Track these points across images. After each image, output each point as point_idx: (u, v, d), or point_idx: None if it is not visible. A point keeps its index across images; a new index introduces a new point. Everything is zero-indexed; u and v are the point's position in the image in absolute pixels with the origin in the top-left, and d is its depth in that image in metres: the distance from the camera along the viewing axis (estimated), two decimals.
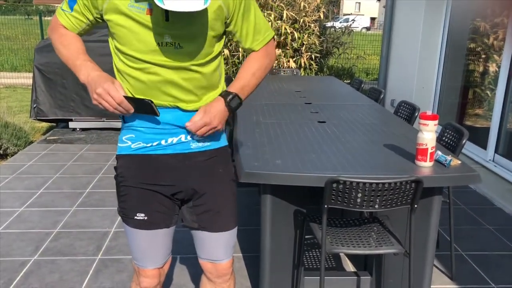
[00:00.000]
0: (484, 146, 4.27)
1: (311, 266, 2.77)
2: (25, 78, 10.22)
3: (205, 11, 1.45)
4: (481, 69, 4.71)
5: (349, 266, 2.89)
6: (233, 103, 1.55)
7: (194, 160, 1.61)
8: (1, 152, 4.94)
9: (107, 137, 5.70)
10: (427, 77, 5.50)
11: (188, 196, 1.65)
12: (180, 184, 1.62)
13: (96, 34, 5.71)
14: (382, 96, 4.08)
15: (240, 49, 6.90)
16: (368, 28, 34.37)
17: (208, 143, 1.63)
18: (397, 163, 2.23)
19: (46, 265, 2.82)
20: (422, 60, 5.58)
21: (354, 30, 9.49)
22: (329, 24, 9.00)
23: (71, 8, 1.51)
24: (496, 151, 4.12)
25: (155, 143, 1.57)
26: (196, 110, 1.55)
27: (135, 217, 1.62)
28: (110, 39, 1.55)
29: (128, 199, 1.62)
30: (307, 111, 3.35)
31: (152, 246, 1.67)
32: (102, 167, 4.59)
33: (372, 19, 47.48)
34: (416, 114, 3.30)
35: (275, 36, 1.61)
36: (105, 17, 1.47)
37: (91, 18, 1.52)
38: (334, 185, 1.93)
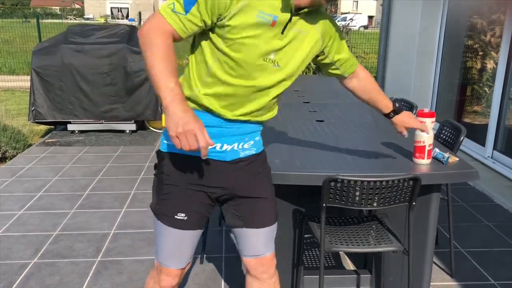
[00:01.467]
0: (482, 143, 4.27)
1: (311, 265, 2.77)
2: (23, 81, 10.21)
3: (311, 37, 1.60)
4: (478, 66, 4.71)
5: (349, 265, 2.89)
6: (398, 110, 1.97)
7: (240, 163, 1.67)
8: (0, 155, 4.94)
9: (106, 139, 5.70)
10: (425, 74, 5.51)
11: (231, 196, 1.70)
12: (226, 187, 1.67)
13: (94, 36, 5.72)
14: None
15: None
16: (366, 27, 34.38)
17: (254, 150, 1.70)
18: (395, 161, 2.23)
19: (46, 268, 2.82)
20: (419, 58, 5.58)
21: (352, 29, 9.48)
22: None
23: (186, 11, 1.41)
24: (494, 148, 4.12)
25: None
26: (255, 123, 1.67)
27: (175, 217, 1.64)
28: (209, 41, 1.50)
29: (170, 198, 1.64)
30: (305, 110, 3.35)
31: (182, 246, 1.69)
32: (101, 169, 4.59)
33: (370, 17, 47.46)
34: (414, 111, 3.31)
35: None
36: (229, 22, 1.43)
37: (209, 22, 1.45)
38: (332, 183, 1.93)
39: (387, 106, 1.95)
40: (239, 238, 1.78)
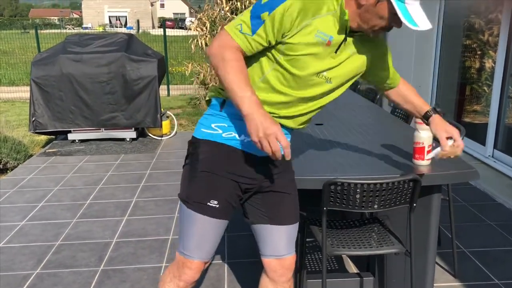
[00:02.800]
0: (483, 142, 4.27)
1: (313, 269, 2.77)
2: (23, 92, 10.24)
3: (361, 58, 1.69)
4: (477, 65, 4.72)
5: (352, 268, 2.88)
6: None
7: (269, 159, 1.70)
8: (1, 166, 4.94)
9: (106, 147, 5.71)
10: (423, 75, 5.52)
11: (258, 189, 1.73)
12: (255, 178, 1.70)
13: (92, 45, 5.74)
14: (378, 96, 4.09)
15: None
16: None
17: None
18: (395, 163, 2.23)
19: (48, 278, 2.82)
20: (417, 59, 5.59)
21: None
22: None
23: (253, 32, 1.50)
24: (495, 147, 4.12)
25: (246, 140, 1.65)
26: (287, 129, 1.74)
27: (208, 203, 1.66)
28: (268, 52, 1.58)
29: (205, 185, 1.66)
30: None
31: (209, 236, 1.70)
32: (102, 178, 4.59)
33: None
34: None
35: None
36: (290, 39, 1.52)
37: (273, 42, 1.54)
38: (332, 187, 1.93)
39: (422, 109, 1.93)
40: (261, 236, 1.79)
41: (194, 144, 1.70)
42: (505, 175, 3.84)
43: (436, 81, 5.36)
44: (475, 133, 4.45)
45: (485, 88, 4.56)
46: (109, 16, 64.83)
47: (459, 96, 5.10)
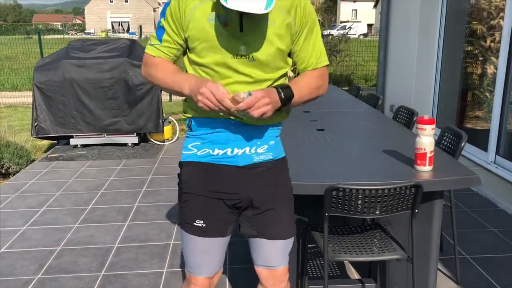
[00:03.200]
0: (485, 148, 4.26)
1: (315, 275, 2.76)
2: (26, 97, 10.27)
3: (277, 25, 1.53)
4: (479, 71, 4.72)
5: (353, 274, 2.87)
6: (285, 91, 1.52)
7: (256, 170, 1.66)
8: (3, 171, 4.95)
9: (108, 152, 5.71)
10: (425, 81, 5.52)
11: (248, 204, 1.70)
12: (241, 194, 1.66)
13: (95, 50, 5.76)
14: (380, 102, 4.09)
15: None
16: (365, 35, 34.51)
17: (270, 155, 1.68)
18: (397, 169, 2.23)
19: (50, 283, 2.81)
20: (419, 65, 5.60)
21: (351, 37, 9.53)
22: (325, 32, 9.04)
23: (160, 40, 1.59)
24: (497, 153, 4.11)
25: (221, 152, 1.63)
26: (265, 126, 1.63)
27: (194, 224, 1.66)
28: (186, 56, 1.62)
29: (189, 205, 1.68)
30: (306, 120, 3.36)
31: (206, 254, 1.70)
32: (104, 183, 4.59)
33: (369, 25, 47.68)
34: (415, 118, 3.31)
35: None
36: (187, 33, 1.54)
37: (180, 41, 1.58)
38: (334, 192, 1.93)
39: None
40: (253, 247, 1.77)
41: (179, 167, 1.73)
42: (507, 181, 3.83)
43: (438, 87, 5.36)
44: (477, 139, 4.44)
45: (487, 94, 4.56)
46: (112, 22, 65.14)
47: (461, 102, 5.09)
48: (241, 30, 1.51)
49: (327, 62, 1.70)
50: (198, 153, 1.65)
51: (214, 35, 1.51)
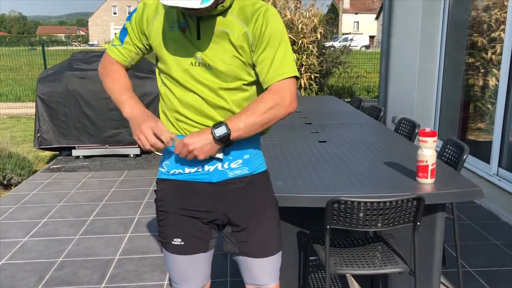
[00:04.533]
0: (487, 160, 4.25)
1: None
2: (29, 108, 10.31)
3: (234, 34, 1.49)
4: (480, 83, 4.73)
5: (355, 287, 2.85)
6: (218, 131, 1.46)
7: (232, 186, 1.61)
8: (5, 182, 4.95)
9: (110, 163, 5.72)
10: (427, 93, 5.52)
11: (225, 221, 1.66)
12: (216, 211, 1.63)
13: (97, 62, 5.79)
14: (382, 113, 4.09)
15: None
16: (367, 47, 34.65)
17: (246, 170, 1.63)
18: (399, 181, 2.22)
19: None
20: (421, 76, 5.61)
21: (353, 49, 9.56)
22: (328, 44, 9.08)
23: (122, 41, 1.63)
24: (499, 165, 4.10)
25: (192, 170, 1.60)
26: (236, 140, 1.53)
27: (172, 242, 1.64)
28: (156, 67, 1.64)
29: (166, 224, 1.66)
30: (308, 131, 3.36)
31: (190, 270, 1.68)
32: (106, 194, 4.59)
33: (371, 37, 47.90)
34: (417, 130, 3.31)
35: None
36: (150, 41, 1.58)
37: (140, 46, 1.62)
38: (336, 205, 1.92)
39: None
40: (240, 265, 1.73)
41: (156, 183, 1.71)
42: (510, 193, 3.81)
43: (440, 98, 5.37)
44: (479, 151, 4.43)
45: (489, 106, 4.56)
46: (115, 33, 65.50)
47: (463, 114, 5.09)
48: (198, 38, 1.50)
49: (289, 74, 1.52)
50: (170, 172, 1.63)
51: (173, 42, 1.52)
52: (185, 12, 1.48)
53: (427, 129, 2.14)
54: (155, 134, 1.48)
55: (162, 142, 1.49)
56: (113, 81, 1.64)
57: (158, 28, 1.54)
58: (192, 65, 1.52)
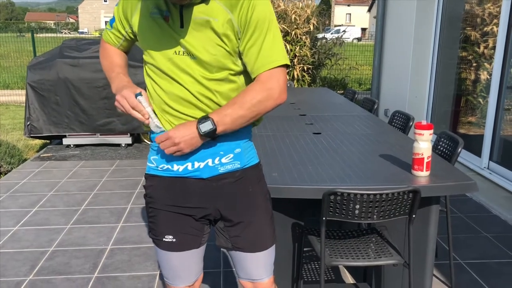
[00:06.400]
0: (478, 153, 4.28)
1: (310, 279, 2.75)
2: (18, 96, 10.19)
3: (219, 21, 1.42)
4: (472, 77, 4.75)
5: (348, 278, 2.87)
6: (203, 127, 1.42)
7: (223, 181, 1.57)
8: None
9: (101, 153, 5.67)
10: (419, 86, 5.54)
11: (217, 217, 1.63)
12: (208, 207, 1.60)
13: (89, 50, 5.72)
14: (375, 106, 4.10)
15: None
16: (359, 39, 34.67)
17: (238, 164, 1.58)
18: (394, 174, 2.23)
19: (41, 285, 2.78)
20: (414, 70, 5.62)
21: (345, 41, 9.56)
22: (320, 35, 9.06)
23: (111, 26, 1.66)
24: (490, 159, 4.14)
25: (181, 168, 1.55)
26: (226, 135, 1.50)
27: (164, 239, 1.62)
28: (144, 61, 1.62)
29: (156, 221, 1.62)
30: (302, 123, 3.35)
31: (182, 266, 1.66)
32: (97, 184, 4.56)
33: (363, 29, 47.91)
34: (411, 123, 3.32)
35: None
36: (134, 29, 1.57)
37: (123, 32, 1.63)
38: (332, 197, 1.92)
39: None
40: (233, 259, 1.72)
41: (145, 178, 1.66)
42: (500, 187, 3.85)
43: (433, 92, 5.39)
44: (470, 144, 4.47)
45: (480, 100, 4.59)
46: (106, 21, 64.80)
47: (454, 108, 5.12)
48: (181, 26, 1.44)
49: (278, 63, 1.46)
50: (159, 168, 1.58)
51: (155, 31, 1.48)
52: (167, 0, 1.44)
53: (424, 122, 2.14)
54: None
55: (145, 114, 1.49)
56: (105, 59, 1.70)
57: (141, 15, 1.52)
58: (176, 54, 1.46)
